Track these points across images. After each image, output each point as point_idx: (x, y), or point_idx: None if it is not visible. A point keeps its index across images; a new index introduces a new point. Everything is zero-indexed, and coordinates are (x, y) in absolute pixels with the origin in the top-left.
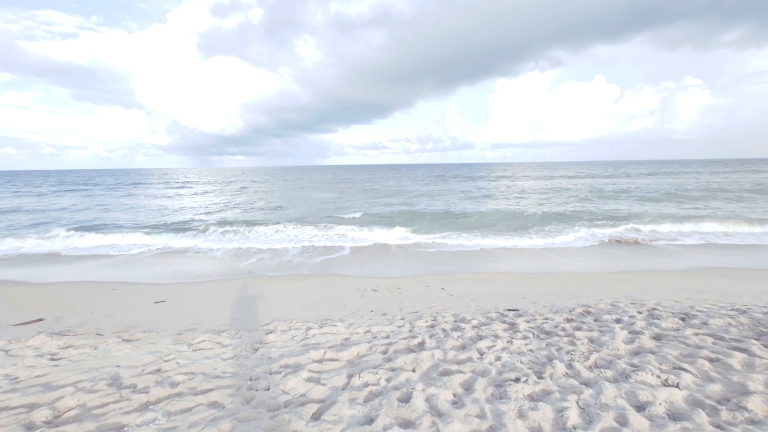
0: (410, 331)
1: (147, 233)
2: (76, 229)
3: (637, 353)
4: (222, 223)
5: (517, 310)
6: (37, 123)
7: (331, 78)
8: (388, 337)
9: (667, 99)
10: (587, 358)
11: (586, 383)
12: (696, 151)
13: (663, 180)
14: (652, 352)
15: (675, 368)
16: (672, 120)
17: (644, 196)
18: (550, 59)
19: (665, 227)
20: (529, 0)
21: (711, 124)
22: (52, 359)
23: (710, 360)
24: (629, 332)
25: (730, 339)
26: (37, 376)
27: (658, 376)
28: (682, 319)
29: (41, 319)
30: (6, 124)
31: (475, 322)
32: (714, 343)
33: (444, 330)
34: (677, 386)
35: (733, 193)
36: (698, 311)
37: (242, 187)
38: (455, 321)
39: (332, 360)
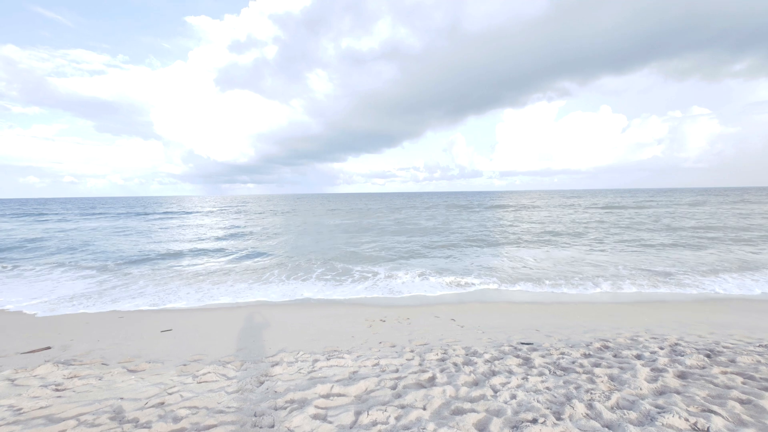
0: (420, 364)
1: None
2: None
3: (661, 393)
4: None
5: (532, 343)
6: (60, 153)
7: (341, 109)
8: (397, 370)
9: (676, 128)
10: (608, 398)
11: (609, 426)
12: (709, 179)
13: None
14: (678, 392)
15: (704, 410)
16: (682, 148)
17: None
18: (557, 90)
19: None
20: (537, 33)
21: (722, 153)
22: (57, 390)
23: (741, 402)
24: (651, 370)
25: (761, 378)
26: (41, 408)
27: (687, 419)
28: (708, 356)
29: (49, 347)
30: (31, 154)
31: (487, 356)
32: (744, 383)
33: (455, 364)
34: (708, 431)
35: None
36: (724, 347)
37: (261, 221)
38: (467, 354)
39: (339, 395)
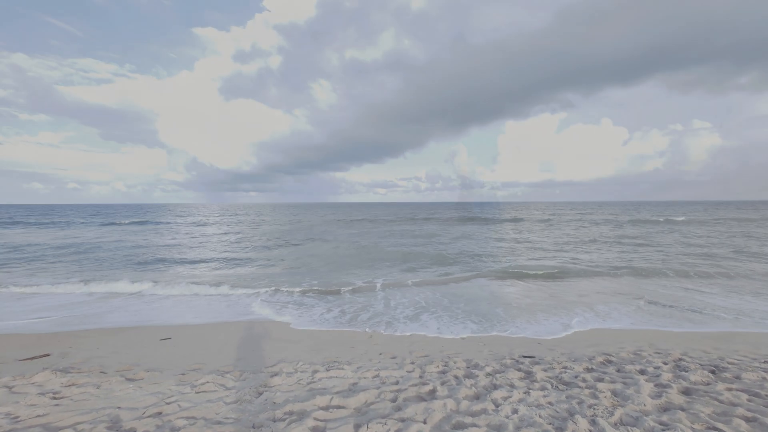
0: (420, 376)
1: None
2: None
3: (665, 409)
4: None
5: (533, 357)
6: (65, 159)
7: (345, 119)
8: (397, 382)
9: (677, 141)
10: (611, 414)
11: None
12: (712, 192)
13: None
14: (683, 409)
15: (709, 428)
16: (684, 161)
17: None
18: (561, 101)
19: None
20: (541, 45)
21: (724, 166)
22: (54, 398)
23: (747, 420)
24: (655, 385)
25: (767, 396)
26: (38, 416)
27: None
28: (713, 372)
29: (48, 354)
30: (37, 160)
31: (488, 369)
32: (749, 400)
33: (456, 377)
34: None
35: None
36: (729, 363)
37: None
38: (467, 367)
39: (339, 407)
